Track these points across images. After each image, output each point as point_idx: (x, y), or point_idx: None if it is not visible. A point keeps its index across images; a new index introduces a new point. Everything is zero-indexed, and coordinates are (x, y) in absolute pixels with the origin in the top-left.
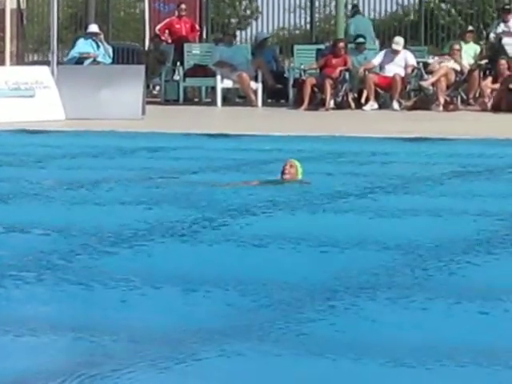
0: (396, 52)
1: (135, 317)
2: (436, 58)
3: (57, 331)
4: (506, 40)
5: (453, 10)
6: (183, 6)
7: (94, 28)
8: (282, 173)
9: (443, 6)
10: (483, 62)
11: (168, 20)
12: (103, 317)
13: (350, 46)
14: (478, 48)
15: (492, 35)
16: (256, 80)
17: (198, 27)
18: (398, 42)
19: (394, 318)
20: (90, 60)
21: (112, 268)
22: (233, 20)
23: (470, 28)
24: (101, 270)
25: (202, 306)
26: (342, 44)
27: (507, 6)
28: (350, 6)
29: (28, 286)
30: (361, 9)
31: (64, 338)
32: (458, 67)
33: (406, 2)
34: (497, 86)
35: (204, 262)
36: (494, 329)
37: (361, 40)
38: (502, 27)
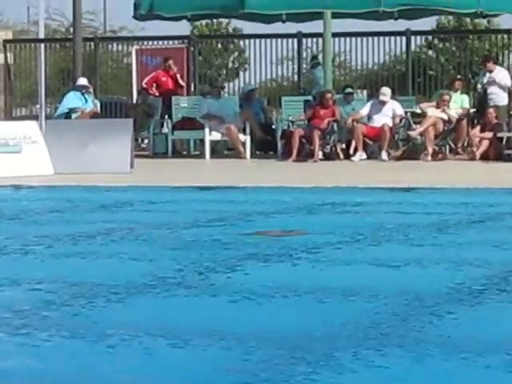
0: (383, 102)
1: (124, 370)
2: (422, 104)
3: None
4: (491, 89)
5: (442, 59)
6: (171, 62)
7: (83, 81)
8: None
9: (431, 53)
10: (471, 110)
11: (155, 73)
12: (92, 369)
13: (338, 96)
14: (465, 97)
15: (479, 85)
16: (244, 132)
17: (183, 83)
18: (385, 92)
19: (379, 370)
20: (78, 113)
21: (105, 321)
22: (221, 72)
23: (458, 76)
24: (93, 323)
25: (192, 359)
26: (329, 95)
27: (487, 53)
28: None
29: (17, 338)
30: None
31: None
32: (445, 117)
33: (393, 52)
34: (485, 134)
35: (196, 315)
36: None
37: (349, 90)
38: (487, 77)
